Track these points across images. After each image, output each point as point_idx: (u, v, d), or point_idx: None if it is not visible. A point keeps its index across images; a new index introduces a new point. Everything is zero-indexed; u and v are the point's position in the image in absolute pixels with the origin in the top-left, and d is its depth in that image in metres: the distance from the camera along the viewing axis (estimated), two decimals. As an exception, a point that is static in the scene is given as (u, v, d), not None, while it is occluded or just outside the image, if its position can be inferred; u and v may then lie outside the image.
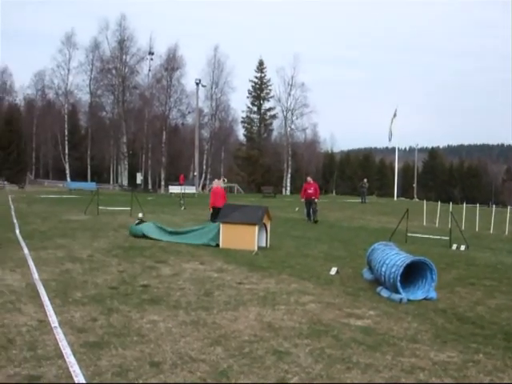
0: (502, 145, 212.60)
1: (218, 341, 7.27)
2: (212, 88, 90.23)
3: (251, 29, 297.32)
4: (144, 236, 17.31)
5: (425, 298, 10.47)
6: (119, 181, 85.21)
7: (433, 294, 10.59)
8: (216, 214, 25.88)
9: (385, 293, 10.63)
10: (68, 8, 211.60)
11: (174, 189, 53.11)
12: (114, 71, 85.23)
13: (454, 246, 18.74)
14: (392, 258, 10.93)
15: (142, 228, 17.80)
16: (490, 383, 6.36)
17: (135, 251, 14.75)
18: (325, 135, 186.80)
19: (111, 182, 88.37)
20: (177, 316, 8.42)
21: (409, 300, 10.24)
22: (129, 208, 26.60)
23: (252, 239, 15.76)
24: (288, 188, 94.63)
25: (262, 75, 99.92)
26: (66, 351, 6.60)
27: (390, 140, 71.57)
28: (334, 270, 12.74)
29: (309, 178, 28.37)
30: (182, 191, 43.90)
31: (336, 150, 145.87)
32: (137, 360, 6.47)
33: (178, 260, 13.67)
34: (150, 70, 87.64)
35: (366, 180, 53.48)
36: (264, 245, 16.50)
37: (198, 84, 70.43)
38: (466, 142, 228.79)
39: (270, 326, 8.10)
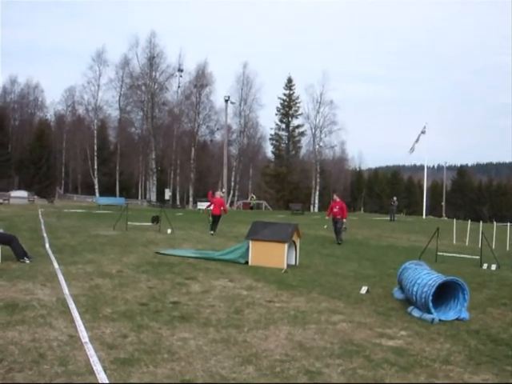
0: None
1: (249, 360, 7.23)
2: (241, 105, 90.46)
3: (280, 46, 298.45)
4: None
5: (457, 319, 10.35)
6: (147, 196, 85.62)
7: (465, 315, 10.46)
8: (215, 221, 26.87)
9: (416, 313, 10.52)
10: (99, 25, 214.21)
11: (203, 205, 53.15)
12: (143, 87, 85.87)
13: (485, 266, 18.53)
14: (424, 277, 10.83)
15: (175, 252, 17.75)
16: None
17: (164, 267, 14.75)
18: (353, 153, 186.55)
19: (139, 197, 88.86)
20: (207, 334, 8.40)
21: (440, 320, 10.13)
22: (158, 224, 26.66)
23: (281, 257, 15.71)
24: (316, 205, 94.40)
25: (291, 92, 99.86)
26: (97, 367, 6.60)
27: (410, 152, 71.36)
28: (364, 289, 12.65)
29: (335, 196, 27.43)
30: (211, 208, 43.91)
31: (364, 167, 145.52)
32: (167, 378, 6.46)
33: (207, 277, 13.65)
34: (179, 87, 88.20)
35: (395, 198, 53.30)
36: (293, 263, 16.44)
37: (226, 101, 70.89)
38: (494, 160, 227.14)
39: (301, 345, 8.05)
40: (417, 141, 70.39)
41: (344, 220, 25.91)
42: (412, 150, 71.40)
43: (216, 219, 26.80)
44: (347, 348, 8.03)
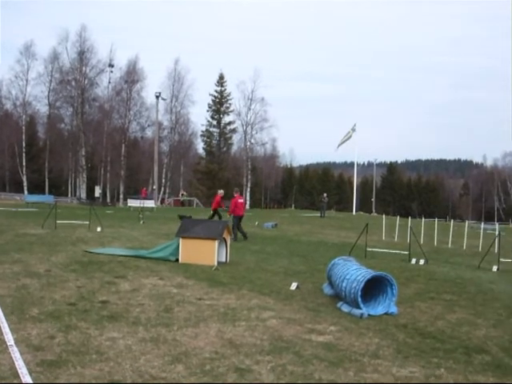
0: (459, 160, 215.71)
1: (178, 358, 7.18)
2: (172, 101, 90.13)
3: (212, 42, 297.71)
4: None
5: (385, 313, 10.51)
6: (77, 194, 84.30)
7: (393, 309, 10.63)
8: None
9: (345, 308, 10.64)
10: (27, 17, 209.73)
11: (133, 202, 52.67)
12: (73, 83, 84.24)
13: (414, 261, 18.89)
14: (352, 273, 10.96)
15: (104, 251, 17.49)
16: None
17: (94, 266, 14.54)
18: (284, 150, 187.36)
19: (69, 195, 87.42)
20: (136, 333, 8.30)
21: (369, 315, 10.27)
22: (87, 222, 26.28)
23: (212, 254, 15.67)
24: (248, 202, 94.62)
25: (223, 89, 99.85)
26: (22, 371, 6.43)
27: (337, 148, 72.33)
28: (294, 285, 12.72)
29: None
30: (141, 205, 43.57)
31: (295, 164, 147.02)
32: (96, 379, 6.36)
33: (136, 275, 13.50)
34: (109, 83, 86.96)
35: (325, 194, 53.88)
36: (224, 260, 16.42)
37: (157, 97, 70.51)
38: (423, 157, 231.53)
39: (231, 342, 8.04)
40: (347, 138, 71.30)
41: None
42: (339, 145, 72.38)
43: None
44: (277, 344, 8.05)
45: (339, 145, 72.26)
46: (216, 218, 29.52)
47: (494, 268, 18.42)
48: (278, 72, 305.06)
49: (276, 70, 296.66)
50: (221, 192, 31.01)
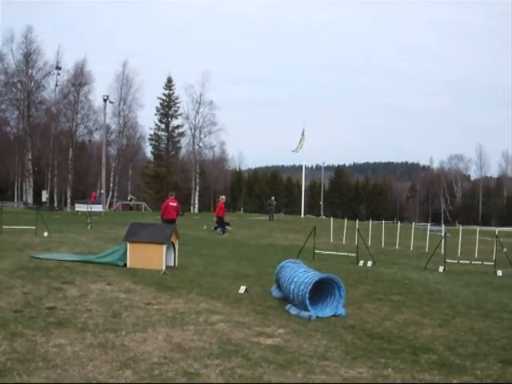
0: (406, 162, 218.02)
1: (126, 364, 7.13)
2: (120, 104, 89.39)
3: (160, 45, 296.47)
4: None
5: (334, 315, 10.60)
6: (24, 198, 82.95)
7: (341, 311, 10.73)
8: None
9: (294, 310, 10.70)
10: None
11: (81, 207, 52.12)
12: (19, 85, 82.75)
13: (361, 263, 19.09)
14: (300, 275, 11.02)
15: (51, 256, 17.25)
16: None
17: (40, 272, 14.32)
18: (233, 153, 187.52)
19: (16, 199, 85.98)
20: (84, 339, 8.21)
21: (318, 317, 10.35)
22: (34, 227, 25.90)
23: (160, 258, 15.59)
24: (196, 206, 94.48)
25: (171, 92, 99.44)
26: (-36, 382, 6.33)
27: (294, 150, 72.63)
28: (242, 289, 12.74)
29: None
30: (89, 209, 43.12)
31: (244, 167, 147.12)
32: (42, 386, 6.28)
33: (84, 281, 13.33)
34: (56, 85, 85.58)
35: (273, 198, 54.09)
36: (172, 264, 16.35)
37: (105, 100, 70.05)
38: (371, 160, 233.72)
39: (180, 346, 8.01)
40: (302, 141, 71.75)
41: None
42: (296, 148, 72.74)
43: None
44: (226, 348, 8.05)
45: (297, 148, 72.59)
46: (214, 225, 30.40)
47: (441, 269, 18.73)
48: (226, 75, 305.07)
49: (225, 73, 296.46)
50: (222, 198, 31.25)
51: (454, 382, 7.13)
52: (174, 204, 25.69)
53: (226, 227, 31.10)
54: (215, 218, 31.84)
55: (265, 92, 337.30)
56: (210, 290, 12.86)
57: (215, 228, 32.05)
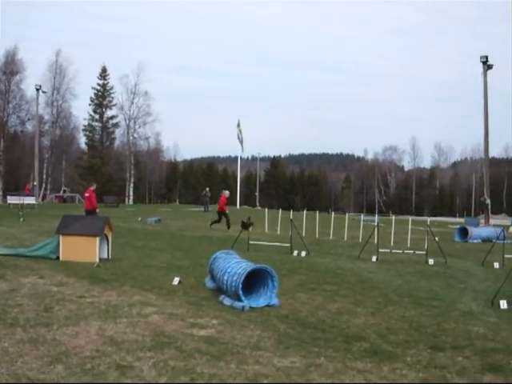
0: (341, 154, 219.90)
1: (58, 358, 7.02)
2: (53, 94, 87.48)
3: (94, 35, 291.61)
4: None
5: (267, 305, 10.65)
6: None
7: (275, 301, 10.78)
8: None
9: (227, 301, 10.71)
10: None
11: (13, 199, 51.04)
12: None
13: (295, 253, 19.23)
14: (233, 266, 11.03)
15: None
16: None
17: (-31, 266, 14.04)
18: (168, 144, 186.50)
19: None
20: (14, 334, 8.04)
21: (251, 307, 10.38)
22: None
23: (93, 251, 15.42)
24: (131, 197, 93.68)
25: (105, 82, 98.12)
26: None
27: (242, 150, 73.21)
28: (176, 280, 12.70)
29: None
30: (22, 202, 42.27)
31: (179, 158, 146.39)
32: (-31, 384, 6.14)
33: (15, 274, 13.08)
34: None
35: (208, 189, 54.06)
36: (106, 256, 16.19)
37: (38, 90, 68.61)
38: (306, 152, 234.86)
39: (112, 339, 7.94)
40: (241, 137, 71.90)
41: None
42: (242, 147, 73.08)
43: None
44: (159, 340, 8.01)
45: (241, 140, 72.73)
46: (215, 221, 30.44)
47: (374, 258, 18.99)
48: (162, 66, 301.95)
49: (160, 64, 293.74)
50: (226, 192, 30.82)
51: (385, 369, 7.24)
52: (87, 195, 25.43)
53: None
54: (218, 213, 31.37)
55: (200, 83, 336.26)
56: (144, 282, 12.79)
57: (212, 223, 31.28)
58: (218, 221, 30.61)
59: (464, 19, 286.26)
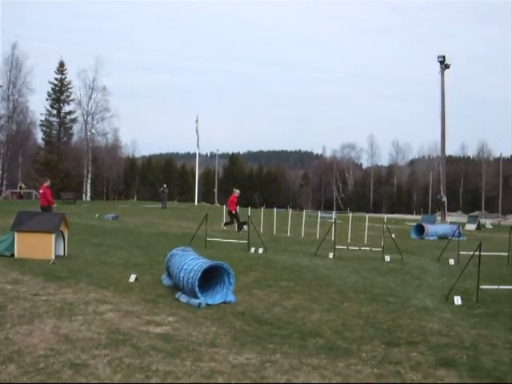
0: (300, 151, 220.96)
1: (10, 358, 6.91)
2: (9, 88, 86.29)
3: (52, 28, 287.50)
4: None
5: (223, 302, 10.66)
6: None
7: (231, 298, 10.80)
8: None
9: (184, 298, 10.69)
10: None
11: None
12: None
13: (253, 250, 19.26)
14: (190, 263, 11.03)
15: None
16: (287, 383, 6.56)
17: None
18: (127, 140, 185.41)
19: None
20: (-35, 334, 7.94)
21: (208, 304, 10.38)
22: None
23: (49, 248, 15.25)
24: (88, 194, 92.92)
25: (63, 77, 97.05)
26: None
27: (198, 147, 73.26)
28: (133, 277, 12.63)
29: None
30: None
31: (138, 155, 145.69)
32: None
33: (-33, 273, 12.91)
34: None
35: (165, 185, 53.91)
36: (62, 253, 16.04)
37: (-7, 84, 67.60)
38: (265, 149, 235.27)
39: (67, 338, 7.86)
40: (198, 134, 71.99)
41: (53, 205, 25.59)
42: (198, 144, 73.10)
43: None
44: (114, 337, 7.96)
45: (197, 144, 72.89)
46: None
47: (330, 255, 19.11)
48: (121, 61, 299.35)
49: (119, 58, 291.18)
50: (237, 191, 30.27)
51: (340, 365, 7.30)
52: (41, 191, 25.22)
53: (244, 226, 27.92)
54: (228, 213, 29.89)
55: (160, 79, 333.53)
56: (100, 279, 12.70)
57: (226, 224, 29.95)
58: (232, 222, 29.43)
59: (423, 19, 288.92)
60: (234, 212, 28.88)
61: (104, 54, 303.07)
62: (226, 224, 29.66)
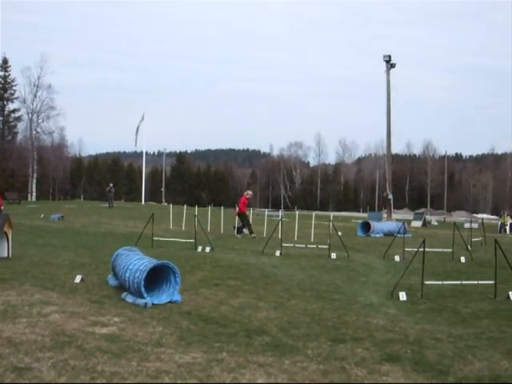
0: (247, 149, 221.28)
1: (-50, 362, 6.80)
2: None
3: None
4: None
5: (170, 302, 10.63)
6: None
7: (177, 297, 10.78)
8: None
9: (130, 298, 10.63)
10: None
11: None
12: None
13: (200, 249, 19.25)
14: (135, 263, 10.97)
15: None
16: (233, 382, 6.58)
17: None
18: (73, 139, 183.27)
19: None
20: None
21: (154, 304, 10.33)
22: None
23: (-8, 249, 15.04)
24: (34, 194, 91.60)
25: (6, 74, 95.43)
26: None
27: (136, 144, 72.79)
28: (78, 278, 12.50)
29: None
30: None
31: (84, 154, 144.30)
32: None
33: None
34: None
35: (111, 184, 53.70)
36: (5, 255, 15.78)
37: None
38: (213, 147, 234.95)
39: (10, 341, 7.73)
40: (137, 132, 71.55)
41: None
42: (136, 141, 72.67)
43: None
44: (59, 339, 7.86)
45: (135, 140, 72.48)
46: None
47: (277, 253, 19.20)
48: (67, 58, 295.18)
49: (65, 56, 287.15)
50: (249, 192, 28.90)
51: (286, 362, 7.35)
52: None
53: (244, 230, 26.86)
54: (237, 216, 27.93)
55: (107, 77, 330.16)
56: (45, 280, 12.53)
57: (238, 230, 27.32)
58: (243, 226, 27.34)
59: (372, 18, 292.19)
60: (244, 213, 27.36)
61: (49, 50, 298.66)
62: (238, 231, 27.28)
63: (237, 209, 27.94)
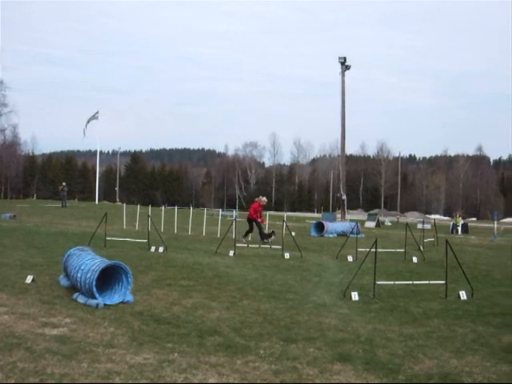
0: (202, 149, 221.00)
1: None
2: None
3: None
4: None
5: (122, 302, 10.56)
6: None
7: (129, 298, 10.72)
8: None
9: (81, 299, 10.54)
10: None
11: None
12: None
13: (153, 249, 19.16)
14: (87, 263, 10.88)
15: None
16: (184, 382, 6.57)
17: None
18: (26, 137, 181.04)
19: None
20: None
21: (106, 305, 10.26)
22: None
23: None
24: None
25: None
26: None
27: (84, 135, 72.08)
28: (29, 278, 12.34)
29: None
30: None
31: (38, 152, 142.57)
32: None
33: None
34: None
35: (64, 184, 53.24)
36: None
37: None
38: (167, 147, 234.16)
39: (-43, 342, 7.63)
40: (87, 124, 70.89)
41: None
42: (84, 133, 71.86)
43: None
44: (8, 341, 7.75)
45: (84, 132, 71.70)
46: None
47: (231, 253, 19.21)
48: (20, 53, 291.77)
49: (18, 50, 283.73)
50: (263, 199, 26.48)
51: (238, 362, 7.36)
52: None
53: (272, 237, 24.75)
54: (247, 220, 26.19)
55: (61, 73, 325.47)
56: (-5, 281, 12.36)
57: (263, 238, 25.12)
58: (251, 230, 25.94)
59: (329, 20, 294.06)
60: (256, 218, 25.57)
61: (1, 44, 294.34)
62: (245, 235, 25.67)
63: (247, 214, 26.62)
